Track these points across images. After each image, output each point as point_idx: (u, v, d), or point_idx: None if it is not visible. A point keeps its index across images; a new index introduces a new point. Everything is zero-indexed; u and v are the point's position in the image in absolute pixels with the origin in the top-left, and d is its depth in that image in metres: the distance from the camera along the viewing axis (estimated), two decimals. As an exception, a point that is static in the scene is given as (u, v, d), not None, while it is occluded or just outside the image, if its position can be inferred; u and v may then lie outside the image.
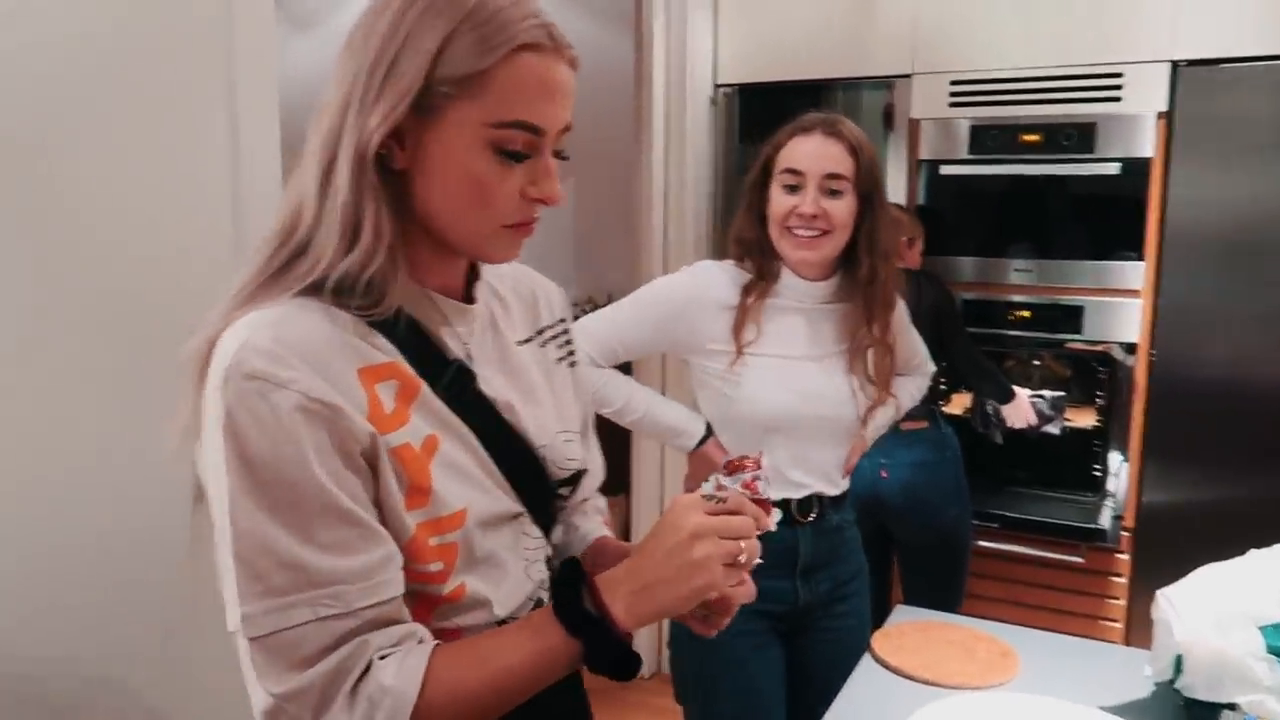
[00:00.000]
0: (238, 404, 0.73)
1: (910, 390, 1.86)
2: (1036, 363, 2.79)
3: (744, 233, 1.64)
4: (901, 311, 1.75)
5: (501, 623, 0.88)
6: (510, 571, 0.89)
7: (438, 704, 0.76)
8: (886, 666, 1.39)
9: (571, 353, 1.05)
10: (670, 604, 0.80)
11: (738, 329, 1.59)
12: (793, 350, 1.60)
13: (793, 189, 1.57)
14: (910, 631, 1.50)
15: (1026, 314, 2.67)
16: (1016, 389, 2.60)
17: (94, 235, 1.25)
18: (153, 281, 1.33)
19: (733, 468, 0.91)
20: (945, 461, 2.49)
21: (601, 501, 1.16)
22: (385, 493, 0.78)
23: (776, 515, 0.90)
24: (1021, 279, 2.67)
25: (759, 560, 0.84)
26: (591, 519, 1.11)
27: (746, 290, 1.61)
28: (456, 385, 0.86)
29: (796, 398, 1.58)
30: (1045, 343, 2.71)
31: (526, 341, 0.99)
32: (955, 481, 2.50)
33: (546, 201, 0.83)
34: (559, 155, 0.84)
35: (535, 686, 0.81)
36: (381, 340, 0.81)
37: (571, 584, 0.82)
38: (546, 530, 0.96)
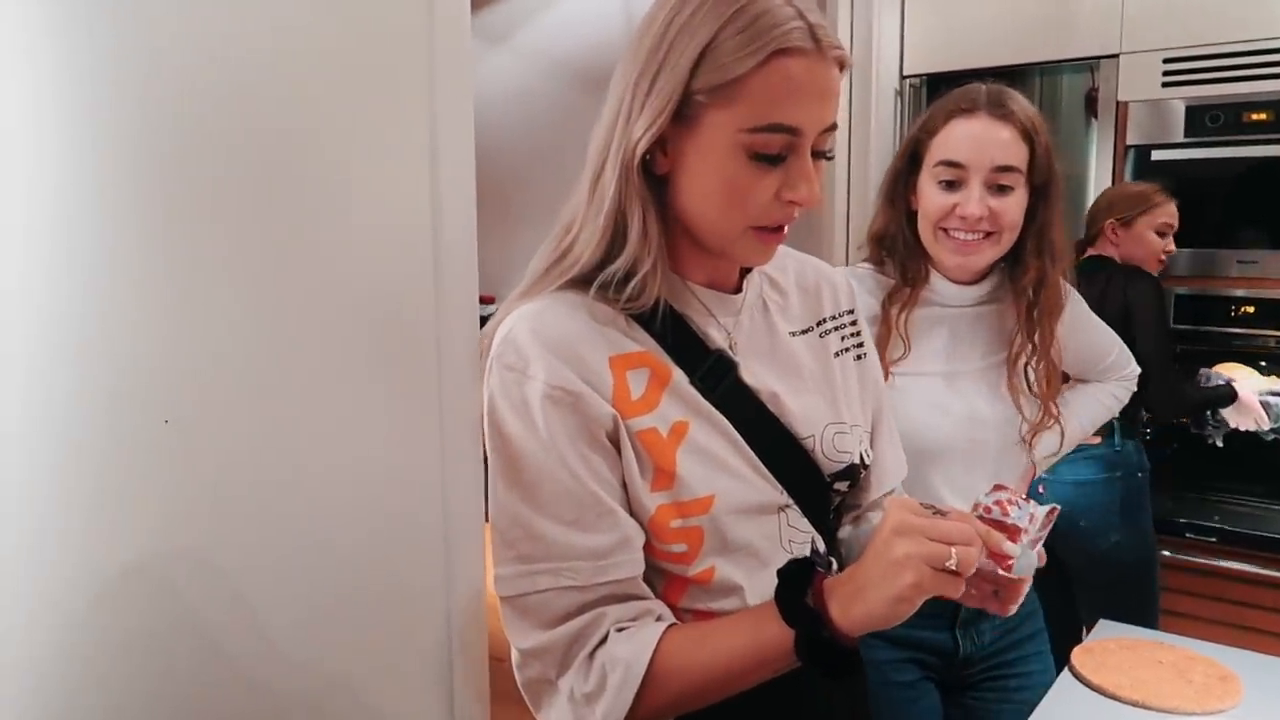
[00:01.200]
0: (499, 391, 0.84)
1: (1101, 401, 1.63)
2: (1262, 363, 2.55)
3: (887, 229, 1.42)
4: (1077, 309, 1.52)
5: None
6: (769, 561, 0.90)
7: (664, 678, 0.81)
8: (1088, 685, 1.31)
9: (860, 345, 1.05)
10: (879, 607, 0.77)
11: (881, 345, 1.36)
12: (944, 365, 1.40)
13: (951, 185, 1.32)
14: (1115, 649, 1.40)
15: (1250, 309, 2.44)
16: (1240, 387, 2.34)
17: (308, 233, 1.35)
18: (358, 287, 1.42)
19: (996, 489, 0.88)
20: (1112, 481, 2.28)
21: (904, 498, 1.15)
22: (628, 474, 0.84)
23: (1035, 555, 0.83)
24: (1245, 271, 2.45)
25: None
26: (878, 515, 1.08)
27: (890, 299, 1.40)
28: (715, 375, 0.89)
29: (955, 421, 1.39)
30: (1272, 342, 2.47)
31: (804, 332, 0.99)
32: (1121, 503, 2.29)
33: (802, 203, 0.83)
34: (822, 155, 0.84)
35: (755, 673, 0.83)
36: (639, 331, 0.87)
37: (797, 580, 0.84)
38: (820, 523, 0.96)
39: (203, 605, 1.28)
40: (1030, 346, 1.39)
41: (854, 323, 1.05)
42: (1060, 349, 1.42)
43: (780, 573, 0.86)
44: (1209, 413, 2.38)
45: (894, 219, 1.42)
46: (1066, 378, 1.58)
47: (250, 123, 1.27)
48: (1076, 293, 1.52)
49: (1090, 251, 2.45)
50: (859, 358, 1.04)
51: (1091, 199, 2.62)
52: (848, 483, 0.98)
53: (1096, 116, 2.60)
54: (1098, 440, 2.26)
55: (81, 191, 1.14)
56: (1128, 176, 2.57)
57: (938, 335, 1.41)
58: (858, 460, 0.97)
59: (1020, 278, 1.38)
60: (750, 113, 0.79)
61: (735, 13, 0.79)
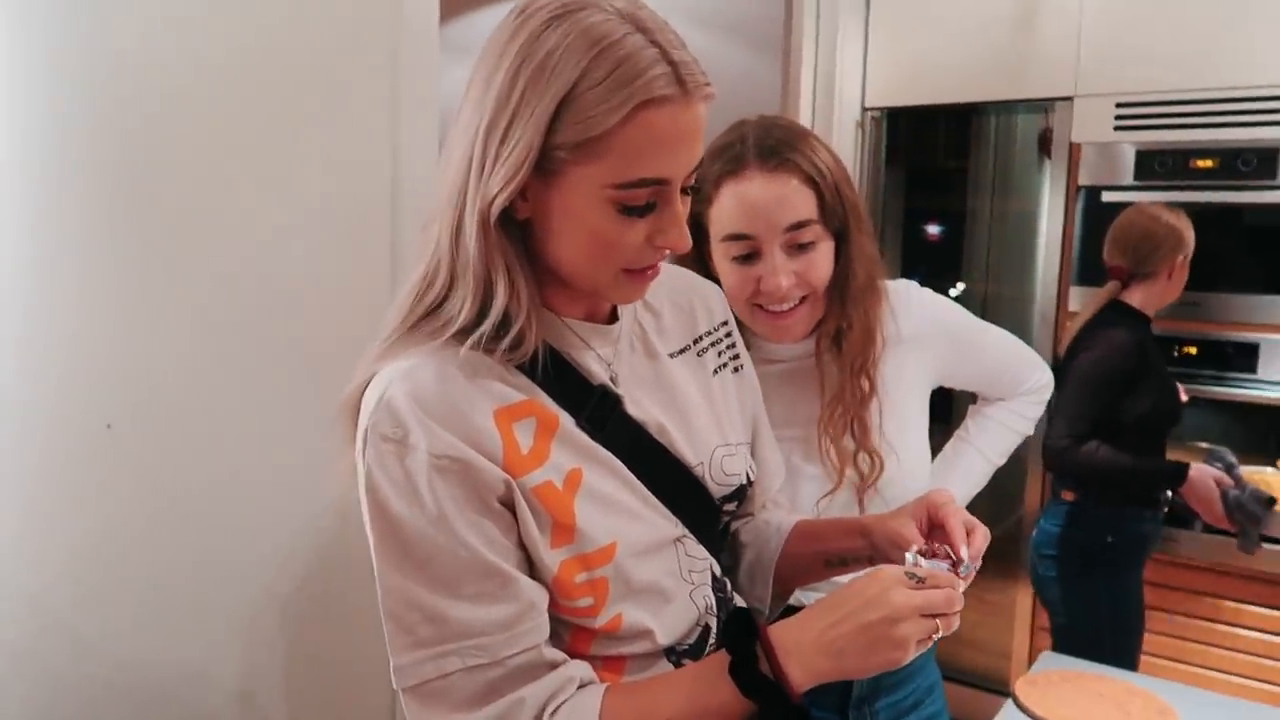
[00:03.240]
0: (376, 466, 0.77)
1: (1005, 424, 1.46)
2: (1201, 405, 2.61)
3: None
4: (947, 316, 1.34)
5: (668, 650, 0.87)
6: (673, 597, 0.87)
7: None
8: (1031, 716, 1.32)
9: (736, 357, 1.02)
10: (853, 670, 0.78)
11: None
12: (797, 426, 1.24)
13: (747, 257, 1.15)
14: (1058, 681, 1.42)
15: (1193, 350, 2.51)
16: (1196, 467, 2.12)
17: (260, 242, 1.33)
18: (314, 296, 1.40)
19: (930, 553, 0.88)
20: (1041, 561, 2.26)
21: (785, 500, 1.13)
22: (526, 534, 0.79)
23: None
24: (1188, 313, 2.51)
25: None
26: (776, 511, 1.08)
27: None
28: (600, 412, 0.85)
29: (811, 488, 1.24)
30: (1213, 383, 2.53)
31: (682, 352, 0.96)
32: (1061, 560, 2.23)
33: (673, 249, 0.81)
34: (686, 192, 0.81)
35: None
36: (520, 378, 0.82)
37: (745, 642, 0.80)
38: (714, 548, 0.94)
39: (129, 611, 1.25)
40: (838, 408, 1.22)
41: (729, 334, 1.02)
42: (882, 392, 1.24)
43: (724, 635, 0.83)
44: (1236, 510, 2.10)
45: None
46: (974, 398, 1.50)
47: (208, 137, 1.25)
48: (944, 300, 1.35)
49: (1121, 295, 2.26)
50: (736, 369, 1.02)
51: (1044, 237, 2.67)
52: (736, 503, 0.97)
53: (1050, 156, 2.66)
54: (1072, 497, 2.22)
55: (33, 197, 1.11)
56: (1078, 217, 2.63)
57: (776, 391, 1.21)
58: (745, 480, 0.96)
59: (822, 331, 1.23)
60: (616, 169, 0.75)
61: (594, 58, 0.73)
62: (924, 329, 1.29)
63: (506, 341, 0.79)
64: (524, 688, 0.77)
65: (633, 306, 0.94)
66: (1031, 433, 1.50)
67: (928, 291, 1.34)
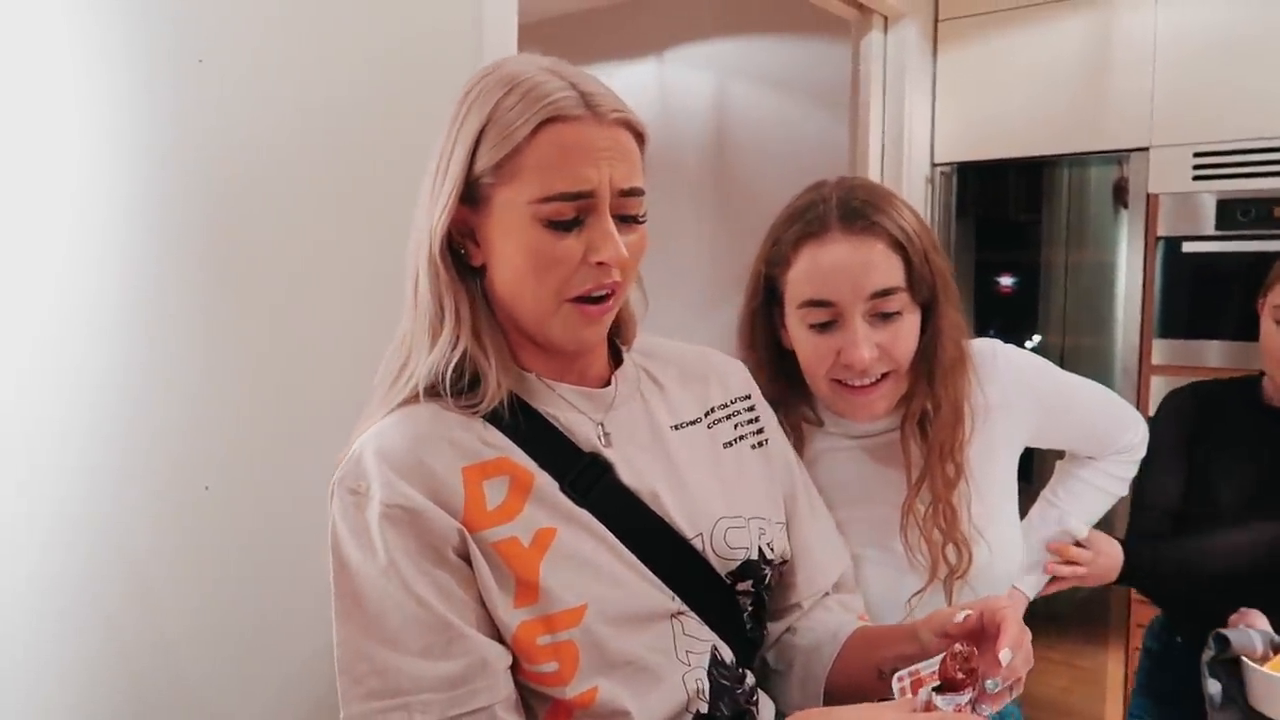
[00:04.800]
0: (340, 517, 0.78)
1: (1096, 485, 1.37)
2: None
3: (756, 379, 1.08)
4: (1037, 379, 1.24)
5: None
6: (662, 677, 0.82)
7: None
8: None
9: (759, 431, 0.99)
10: None
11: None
12: (862, 505, 1.15)
13: (826, 325, 1.07)
14: None
15: (1286, 403, 2.42)
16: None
17: (357, 306, 1.36)
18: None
19: (948, 680, 0.77)
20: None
21: (854, 600, 1.04)
22: (484, 590, 0.77)
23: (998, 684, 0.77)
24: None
25: None
26: (840, 612, 1.00)
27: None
28: (587, 478, 0.83)
29: (885, 577, 1.14)
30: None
31: (691, 424, 0.93)
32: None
33: (610, 263, 0.79)
34: (634, 220, 0.82)
35: None
36: (497, 436, 0.81)
37: None
38: (727, 629, 0.88)
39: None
40: (924, 493, 1.12)
41: (750, 409, 0.99)
42: (968, 473, 1.14)
43: None
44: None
45: (762, 365, 1.15)
46: (1061, 454, 1.42)
47: (308, 204, 1.29)
48: (1021, 365, 1.24)
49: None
50: (758, 445, 0.97)
51: (1123, 288, 2.62)
52: (751, 581, 0.90)
53: (1126, 206, 2.62)
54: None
55: (133, 259, 1.16)
56: (1158, 268, 2.57)
57: (856, 467, 1.16)
58: (756, 556, 0.89)
59: (907, 411, 1.14)
60: (535, 184, 0.77)
61: (508, 91, 0.78)
62: (1012, 395, 1.21)
63: (457, 379, 0.80)
64: None
65: (635, 376, 0.92)
66: (1125, 494, 1.43)
67: (1014, 350, 1.25)
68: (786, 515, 0.98)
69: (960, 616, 0.82)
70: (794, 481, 1.00)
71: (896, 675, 0.78)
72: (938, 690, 0.77)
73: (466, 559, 0.77)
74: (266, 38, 1.23)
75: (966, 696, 0.76)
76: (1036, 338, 2.87)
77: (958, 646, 0.78)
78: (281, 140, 1.25)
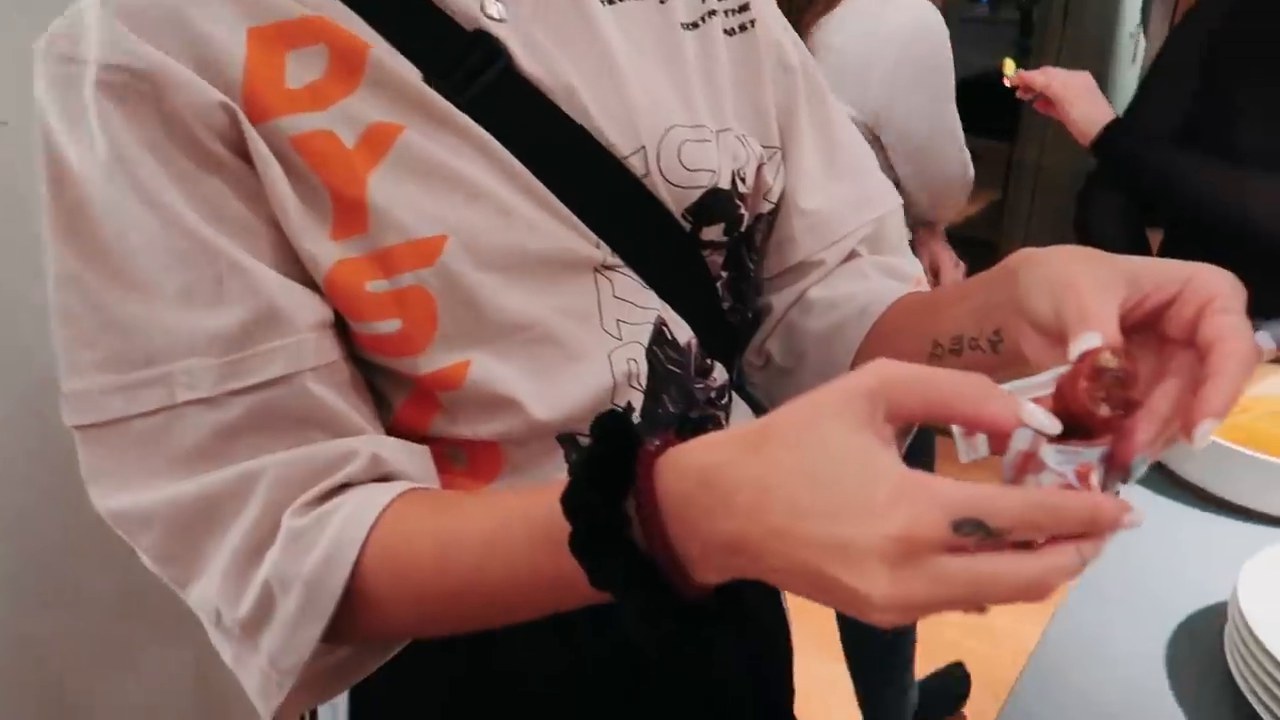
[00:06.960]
0: (48, 98, 0.50)
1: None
2: None
3: None
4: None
5: (564, 438, 0.58)
6: (580, 354, 0.57)
7: (378, 591, 0.49)
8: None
9: (742, 8, 0.67)
10: (781, 584, 0.38)
11: None
12: None
13: None
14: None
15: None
16: None
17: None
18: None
19: (1076, 415, 0.37)
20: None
21: (903, 263, 0.71)
22: (276, 203, 0.50)
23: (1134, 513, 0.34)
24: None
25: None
26: (876, 281, 0.69)
27: None
28: (468, 65, 0.55)
29: None
30: None
31: (693, 27, 0.64)
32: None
33: None
34: None
35: (527, 613, 0.49)
36: None
37: (606, 490, 0.40)
38: (681, 294, 0.62)
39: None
40: None
41: None
42: None
43: (578, 469, 0.42)
44: None
45: None
46: None
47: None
48: None
49: None
50: (739, 29, 0.66)
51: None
52: (723, 226, 0.62)
53: None
54: None
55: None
56: None
57: None
58: (725, 183, 0.61)
59: None
60: None
61: None
62: None
63: None
64: (265, 453, 0.49)
65: None
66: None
67: None
68: (782, 136, 0.68)
69: (1120, 289, 0.41)
70: (793, 86, 0.68)
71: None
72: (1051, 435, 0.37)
73: (246, 158, 0.50)
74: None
75: (1098, 451, 0.38)
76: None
77: (1106, 355, 0.38)
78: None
